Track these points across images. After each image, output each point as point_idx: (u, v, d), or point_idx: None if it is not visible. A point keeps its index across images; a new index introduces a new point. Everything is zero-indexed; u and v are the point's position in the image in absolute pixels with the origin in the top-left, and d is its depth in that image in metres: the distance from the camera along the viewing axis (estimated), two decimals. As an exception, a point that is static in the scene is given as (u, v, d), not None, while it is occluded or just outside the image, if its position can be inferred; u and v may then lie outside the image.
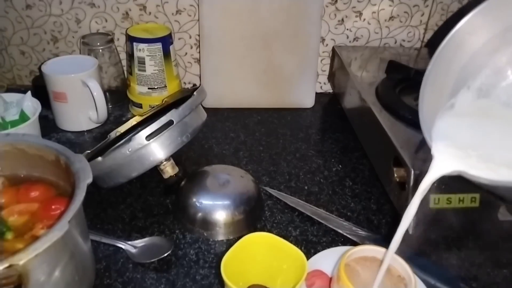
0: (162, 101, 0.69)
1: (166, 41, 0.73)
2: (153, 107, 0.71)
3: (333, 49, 0.84)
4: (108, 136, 0.64)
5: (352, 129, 0.73)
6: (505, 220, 0.51)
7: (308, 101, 0.83)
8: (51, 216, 0.43)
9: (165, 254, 0.49)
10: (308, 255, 0.45)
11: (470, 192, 0.50)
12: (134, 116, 0.71)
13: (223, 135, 0.74)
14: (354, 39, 0.85)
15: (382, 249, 0.42)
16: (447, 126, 0.39)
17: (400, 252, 0.40)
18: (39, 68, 0.73)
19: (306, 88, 0.82)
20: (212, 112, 0.74)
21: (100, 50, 0.76)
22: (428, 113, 0.40)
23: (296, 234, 0.55)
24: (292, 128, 0.76)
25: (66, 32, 0.81)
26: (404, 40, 0.86)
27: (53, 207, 0.43)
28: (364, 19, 0.83)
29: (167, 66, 0.74)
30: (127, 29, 0.75)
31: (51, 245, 0.33)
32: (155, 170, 0.54)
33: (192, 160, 0.67)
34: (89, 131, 0.74)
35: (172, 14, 0.79)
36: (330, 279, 0.44)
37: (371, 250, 0.43)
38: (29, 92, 0.66)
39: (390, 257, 0.40)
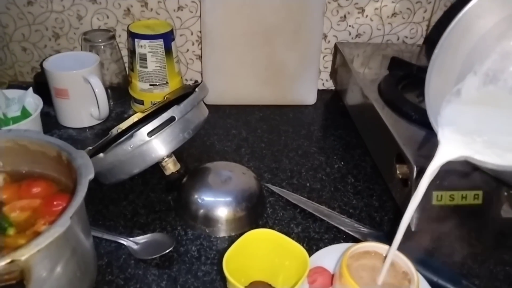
0: (164, 98, 0.69)
1: (167, 38, 0.72)
2: (155, 103, 0.70)
3: (335, 46, 0.83)
4: (109, 132, 0.64)
5: (354, 126, 0.72)
6: (508, 217, 0.51)
7: (310, 98, 0.82)
8: (53, 212, 0.43)
9: (167, 251, 0.49)
10: (310, 252, 0.45)
11: (473, 189, 0.50)
12: (135, 112, 0.71)
13: (225, 132, 0.73)
14: (357, 35, 0.84)
15: (385, 246, 0.42)
16: (453, 112, 0.39)
17: (402, 249, 0.40)
18: (41, 65, 0.73)
19: (308, 84, 0.81)
20: (214, 108, 0.74)
21: (102, 47, 0.76)
22: (434, 97, 0.40)
23: (298, 231, 0.55)
24: (294, 125, 0.76)
25: (68, 28, 0.81)
26: (406, 37, 0.85)
27: (55, 203, 0.43)
28: (367, 16, 0.82)
29: (169, 63, 0.74)
30: (129, 25, 0.75)
31: (53, 241, 0.33)
32: (157, 167, 0.54)
33: (194, 156, 0.67)
34: (90, 127, 0.74)
35: (174, 10, 0.79)
36: (332, 276, 0.44)
37: (373, 247, 0.43)
38: (30, 89, 0.66)
39: (395, 249, 0.40)
